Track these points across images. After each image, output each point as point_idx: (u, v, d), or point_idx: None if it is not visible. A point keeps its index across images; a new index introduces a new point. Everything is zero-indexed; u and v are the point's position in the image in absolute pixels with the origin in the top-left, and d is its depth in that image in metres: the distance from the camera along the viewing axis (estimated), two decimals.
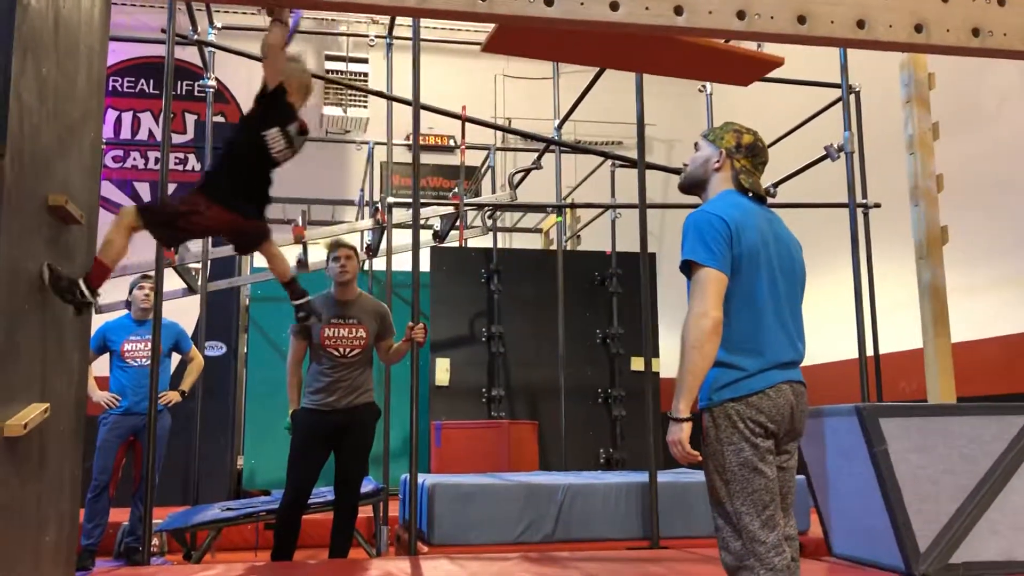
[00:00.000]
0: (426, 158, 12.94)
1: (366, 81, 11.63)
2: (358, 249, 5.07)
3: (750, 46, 4.46)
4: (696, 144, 2.86)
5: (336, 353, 4.61)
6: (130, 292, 5.80)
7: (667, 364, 9.90)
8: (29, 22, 2.86)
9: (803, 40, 3.15)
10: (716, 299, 2.41)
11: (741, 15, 3.00)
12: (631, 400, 8.74)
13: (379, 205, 6.95)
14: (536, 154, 8.63)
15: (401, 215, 7.59)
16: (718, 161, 2.72)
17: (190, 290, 7.49)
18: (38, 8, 2.93)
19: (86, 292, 2.97)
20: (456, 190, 7.48)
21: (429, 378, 8.92)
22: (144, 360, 5.58)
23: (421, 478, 5.54)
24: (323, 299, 4.79)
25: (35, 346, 2.93)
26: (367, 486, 5.01)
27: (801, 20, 3.03)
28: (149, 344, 5.60)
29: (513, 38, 3.68)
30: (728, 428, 2.39)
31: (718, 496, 2.42)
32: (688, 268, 2.51)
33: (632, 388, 8.79)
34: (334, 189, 12.30)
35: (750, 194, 2.66)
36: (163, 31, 5.08)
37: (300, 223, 7.05)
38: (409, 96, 4.83)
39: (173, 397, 5.64)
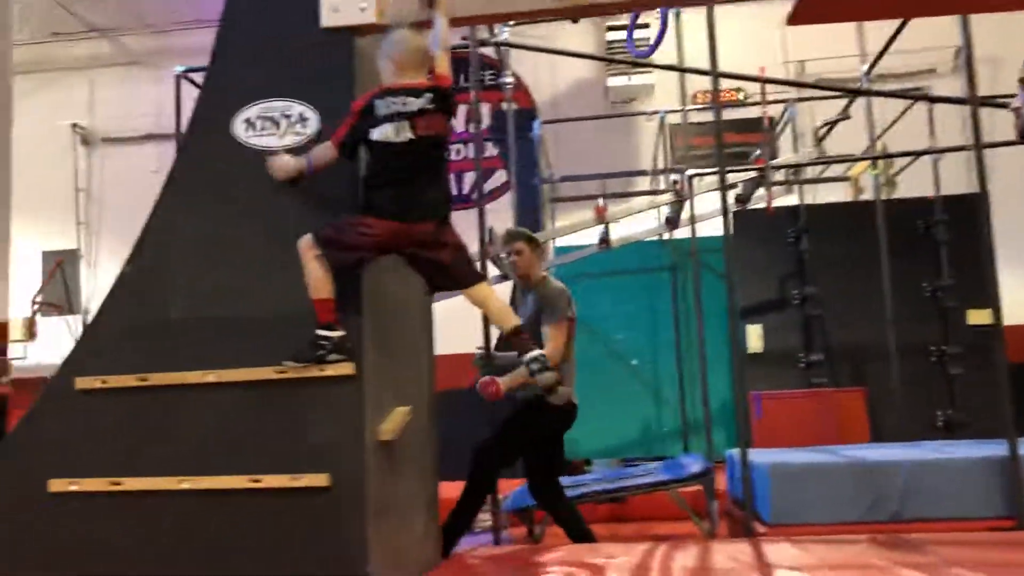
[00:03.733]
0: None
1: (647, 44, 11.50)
2: (532, 236, 5.01)
3: None
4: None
5: None
6: None
7: (1011, 316, 8.92)
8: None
9: None
10: None
11: None
12: (970, 357, 7.98)
13: (677, 176, 6.87)
14: (840, 101, 8.11)
15: (698, 182, 7.46)
16: None
17: (504, 277, 7.89)
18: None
19: (328, 334, 2.95)
20: (758, 152, 7.21)
21: (742, 346, 8.75)
22: None
23: (751, 454, 5.46)
24: None
25: (397, 356, 3.23)
26: (695, 465, 5.01)
27: None
28: None
29: (818, 4, 3.47)
30: None
31: None
32: None
33: (970, 344, 8.02)
34: (625, 160, 12.36)
35: None
36: (464, 38, 5.34)
37: (601, 203, 7.16)
38: (694, 61, 4.74)
39: None
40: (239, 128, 3.14)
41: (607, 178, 11.51)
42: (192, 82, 6.72)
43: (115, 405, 3.02)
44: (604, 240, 7.57)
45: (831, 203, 9.59)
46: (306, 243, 2.96)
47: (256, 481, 2.89)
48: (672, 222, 7.53)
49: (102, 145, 15.11)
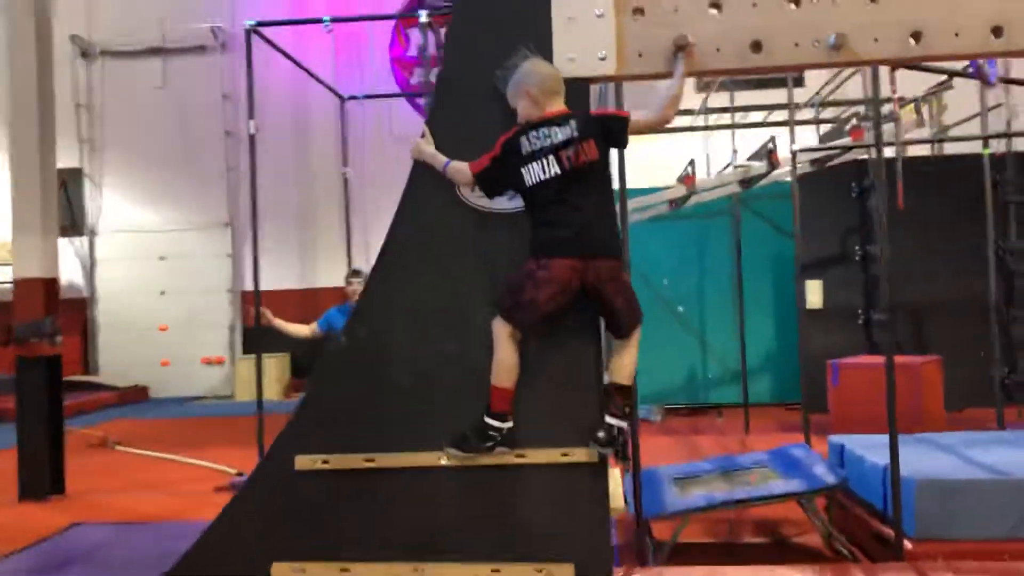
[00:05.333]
0: None
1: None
2: None
3: None
4: None
5: None
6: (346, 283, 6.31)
7: None
8: None
9: None
10: None
11: None
12: None
13: (771, 145, 6.62)
14: None
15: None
16: None
17: None
18: None
19: (498, 424, 2.81)
20: (854, 122, 6.96)
21: (798, 301, 8.70)
22: None
23: (856, 443, 5.41)
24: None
25: None
26: (820, 468, 4.93)
27: None
28: None
29: None
30: None
31: None
32: None
33: None
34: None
35: None
36: None
37: (691, 171, 6.90)
38: None
39: None
40: (464, 187, 2.89)
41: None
42: (263, 37, 6.27)
43: (339, 487, 2.86)
44: (676, 202, 7.34)
45: (893, 157, 9.41)
46: (499, 325, 2.82)
47: (496, 572, 2.77)
48: (748, 184, 7.33)
49: (102, 58, 14.37)
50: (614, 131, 2.84)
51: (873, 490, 4.89)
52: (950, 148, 9.41)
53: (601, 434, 2.82)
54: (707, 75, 2.89)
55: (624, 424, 2.90)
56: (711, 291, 9.60)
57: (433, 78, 15.60)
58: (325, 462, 2.84)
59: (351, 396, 2.89)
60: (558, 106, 2.84)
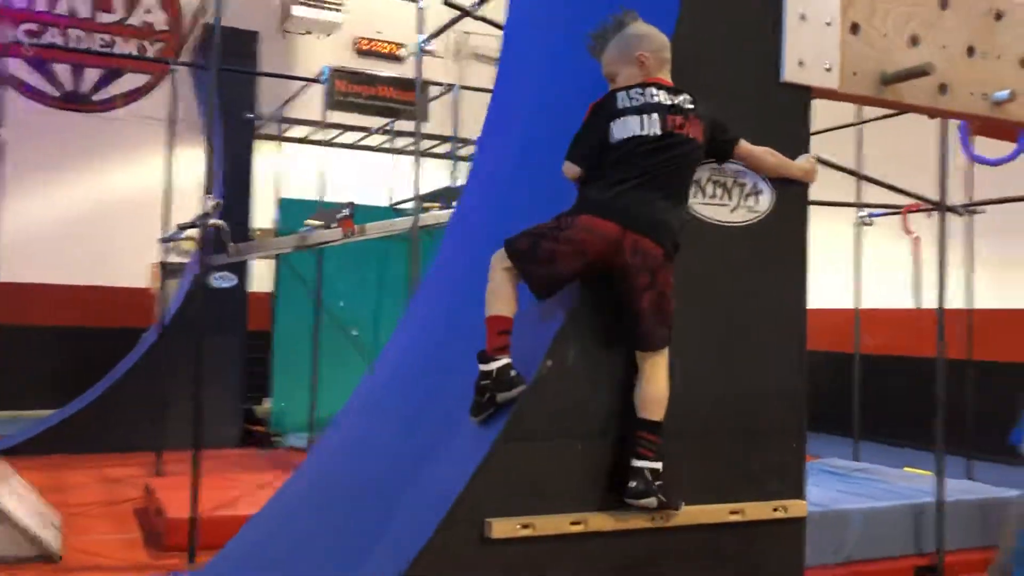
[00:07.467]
0: (375, 65, 12.36)
1: None
2: None
3: None
4: None
5: None
6: None
7: None
8: None
9: None
10: None
11: None
12: None
13: (347, 211, 6.55)
14: None
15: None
16: None
17: None
18: None
19: (485, 367, 2.25)
20: None
21: None
22: None
23: None
24: None
25: None
26: None
27: None
28: None
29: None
30: None
31: None
32: None
33: None
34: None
35: None
36: None
37: (347, 212, 6.43)
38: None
39: None
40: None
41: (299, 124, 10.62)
42: None
43: (540, 557, 2.12)
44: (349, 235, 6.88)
45: None
46: (497, 256, 2.32)
47: None
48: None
49: None
50: (721, 133, 2.46)
51: None
52: None
53: (633, 484, 2.23)
54: (903, 109, 2.80)
55: (658, 465, 2.29)
56: (387, 314, 9.25)
57: (54, 37, 12.89)
58: (526, 526, 2.11)
59: (556, 439, 2.19)
60: (666, 78, 2.45)
